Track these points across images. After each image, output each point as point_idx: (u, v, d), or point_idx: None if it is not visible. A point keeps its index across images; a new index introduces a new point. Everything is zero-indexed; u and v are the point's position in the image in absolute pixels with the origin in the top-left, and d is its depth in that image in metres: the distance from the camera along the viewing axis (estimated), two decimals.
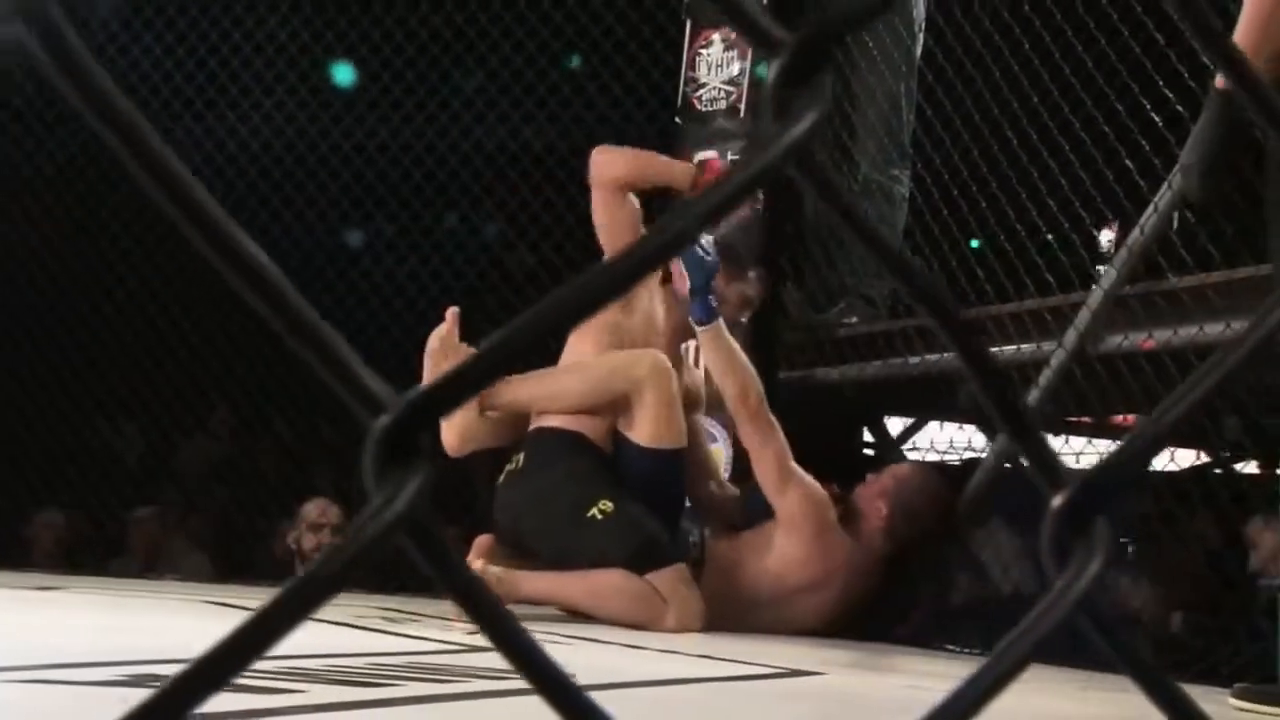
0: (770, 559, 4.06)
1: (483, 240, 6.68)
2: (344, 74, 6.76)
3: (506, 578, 3.83)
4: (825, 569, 4.05)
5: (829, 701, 2.56)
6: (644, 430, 4.02)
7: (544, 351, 4.24)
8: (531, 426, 4.16)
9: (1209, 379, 0.55)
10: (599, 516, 3.95)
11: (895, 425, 6.73)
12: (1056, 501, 0.53)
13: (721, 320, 4.04)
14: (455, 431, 4.15)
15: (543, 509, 4.01)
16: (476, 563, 3.84)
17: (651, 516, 3.98)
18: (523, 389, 4.09)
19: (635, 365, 4.05)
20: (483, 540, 4.13)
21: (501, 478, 4.19)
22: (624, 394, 4.04)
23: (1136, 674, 0.55)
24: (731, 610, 4.00)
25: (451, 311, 4.17)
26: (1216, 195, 2.84)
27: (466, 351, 4.11)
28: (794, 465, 4.06)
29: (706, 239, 3.97)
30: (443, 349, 4.12)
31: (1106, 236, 4.73)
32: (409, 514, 0.42)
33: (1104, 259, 4.69)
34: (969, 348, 0.52)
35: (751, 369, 4.11)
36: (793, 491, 4.04)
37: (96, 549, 6.47)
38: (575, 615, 3.96)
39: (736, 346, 4.09)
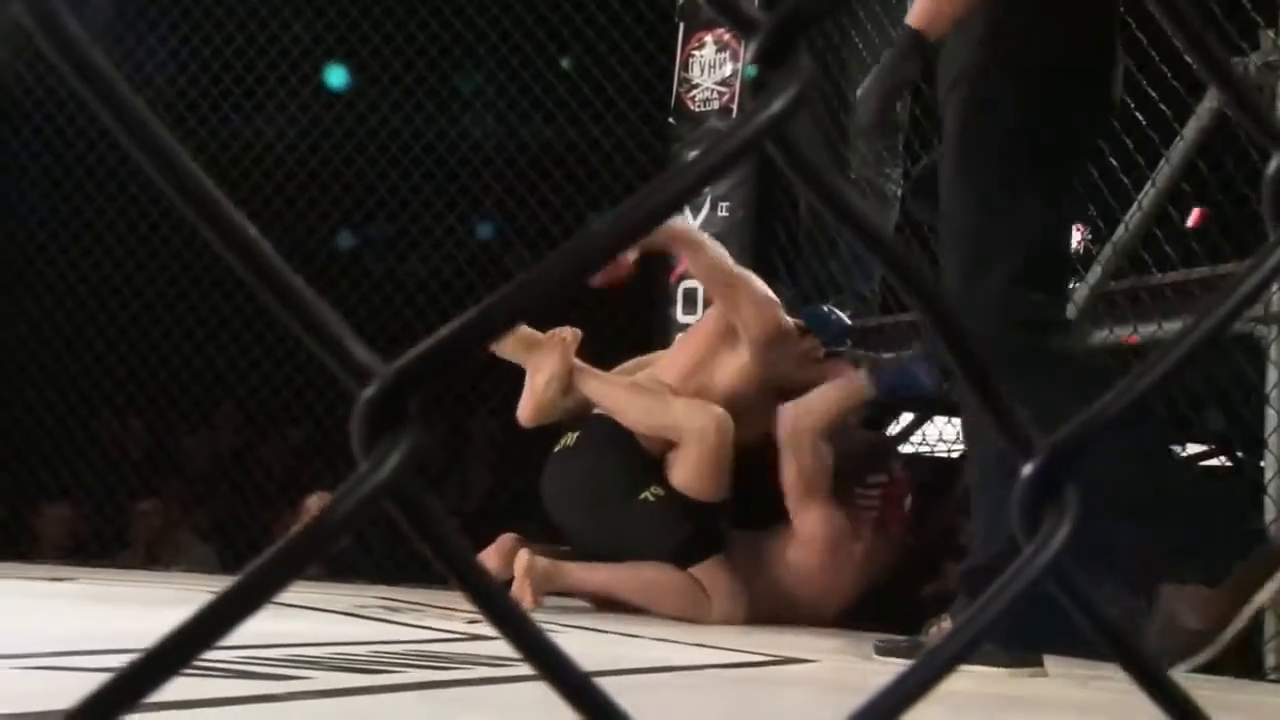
0: (784, 569, 4.09)
1: (480, 239, 6.76)
2: (338, 76, 6.82)
3: (553, 569, 3.86)
4: (836, 581, 4.09)
5: (815, 686, 2.60)
6: (679, 476, 4.03)
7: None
8: (594, 410, 4.19)
9: (1173, 354, 0.55)
10: (651, 499, 3.99)
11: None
12: (1027, 469, 0.53)
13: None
14: (534, 404, 4.16)
15: (595, 486, 4.03)
16: (522, 555, 3.84)
17: (697, 510, 4.01)
18: (594, 385, 4.13)
19: (691, 418, 4.03)
20: (506, 539, 4.13)
21: (553, 454, 4.19)
22: (672, 439, 4.06)
23: (1105, 638, 0.54)
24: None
25: (574, 332, 4.18)
26: (884, 126, 2.87)
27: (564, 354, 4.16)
28: (821, 486, 4.08)
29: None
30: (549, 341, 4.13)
31: (1075, 237, 4.79)
32: (393, 483, 0.41)
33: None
34: (945, 325, 0.52)
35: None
36: (814, 511, 4.07)
37: (103, 541, 6.56)
38: (581, 603, 4.01)
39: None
